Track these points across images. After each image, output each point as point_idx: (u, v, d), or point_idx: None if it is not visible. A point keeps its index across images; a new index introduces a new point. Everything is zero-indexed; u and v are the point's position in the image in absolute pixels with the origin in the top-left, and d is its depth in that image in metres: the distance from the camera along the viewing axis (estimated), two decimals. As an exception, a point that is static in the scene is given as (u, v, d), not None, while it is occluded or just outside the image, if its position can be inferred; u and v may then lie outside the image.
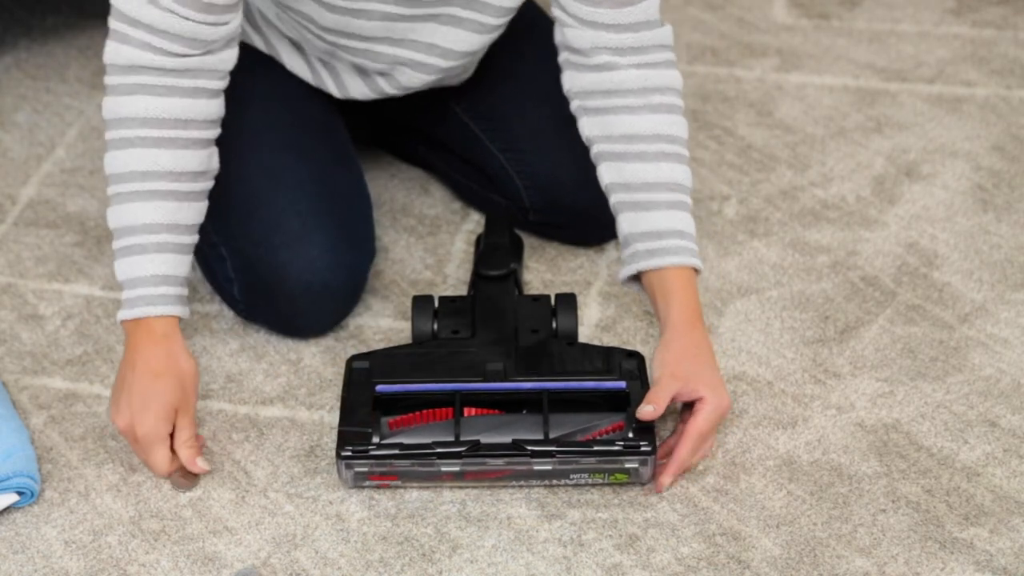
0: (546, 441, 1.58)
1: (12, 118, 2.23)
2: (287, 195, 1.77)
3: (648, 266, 1.67)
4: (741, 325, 1.83)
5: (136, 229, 1.61)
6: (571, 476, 1.59)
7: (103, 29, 1.90)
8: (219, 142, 1.72)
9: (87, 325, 1.85)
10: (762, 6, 2.48)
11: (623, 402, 1.62)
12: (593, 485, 1.61)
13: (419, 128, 2.03)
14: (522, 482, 1.61)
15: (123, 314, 1.62)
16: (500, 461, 1.58)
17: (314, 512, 1.60)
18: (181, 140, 1.62)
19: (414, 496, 1.61)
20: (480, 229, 1.97)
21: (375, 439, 1.60)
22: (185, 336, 1.79)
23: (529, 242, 1.96)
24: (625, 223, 1.70)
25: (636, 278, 1.71)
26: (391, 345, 1.81)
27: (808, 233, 1.98)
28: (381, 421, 1.63)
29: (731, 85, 2.28)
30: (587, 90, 1.72)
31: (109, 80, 1.61)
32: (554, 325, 1.74)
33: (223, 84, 1.65)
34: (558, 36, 1.75)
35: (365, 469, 1.59)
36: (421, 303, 1.75)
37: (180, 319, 1.64)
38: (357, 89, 1.86)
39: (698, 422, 1.59)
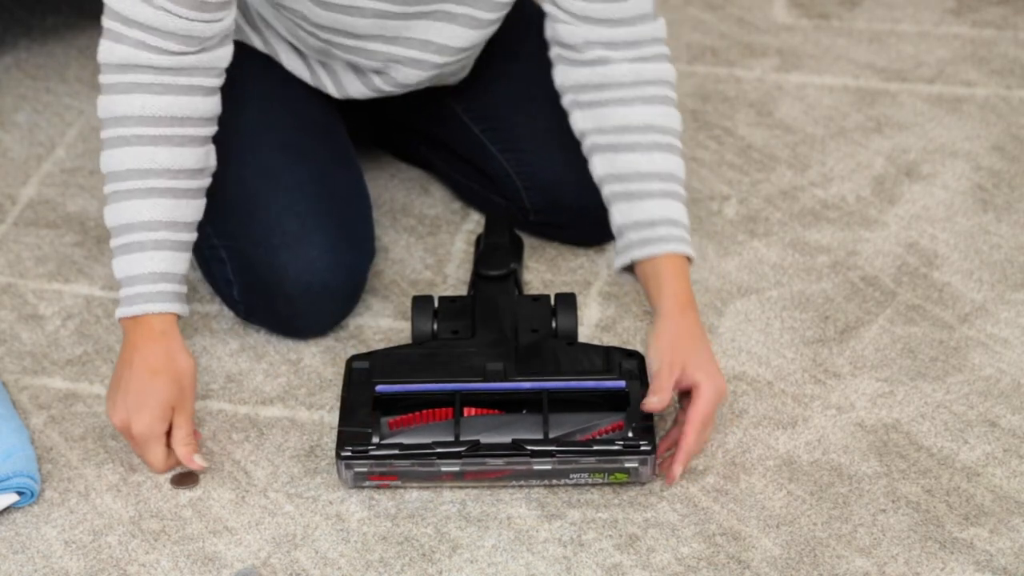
0: (546, 441, 1.58)
1: (12, 118, 2.23)
2: (286, 196, 1.77)
3: (641, 255, 1.68)
4: (741, 325, 1.83)
5: (134, 227, 1.61)
6: (571, 476, 1.59)
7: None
8: (218, 143, 1.72)
9: (87, 325, 1.85)
10: (762, 6, 2.48)
11: (623, 402, 1.62)
12: (593, 485, 1.61)
13: (419, 128, 2.03)
14: (522, 482, 1.61)
15: (121, 312, 1.62)
16: (500, 461, 1.58)
17: (314, 512, 1.60)
18: (177, 137, 1.62)
19: (414, 496, 1.61)
20: (480, 229, 1.97)
21: (375, 439, 1.60)
22: (185, 336, 1.79)
23: (529, 242, 1.96)
24: (618, 214, 1.71)
25: (630, 269, 1.71)
26: (391, 345, 1.81)
27: (808, 233, 1.98)
28: (381, 421, 1.63)
29: (731, 85, 2.28)
30: (579, 84, 1.73)
31: (104, 79, 1.61)
32: (554, 325, 1.74)
33: (219, 81, 1.65)
34: (549, 31, 1.75)
35: (365, 469, 1.59)
36: (421, 303, 1.75)
37: (179, 317, 1.64)
38: (355, 88, 1.86)
39: (699, 409, 1.59)
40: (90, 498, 1.62)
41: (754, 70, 2.31)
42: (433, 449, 1.57)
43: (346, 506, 1.60)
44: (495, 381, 1.65)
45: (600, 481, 1.60)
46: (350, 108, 1.95)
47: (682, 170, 1.71)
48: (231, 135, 1.76)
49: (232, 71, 1.71)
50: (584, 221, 1.90)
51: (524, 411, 1.64)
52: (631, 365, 1.66)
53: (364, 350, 1.79)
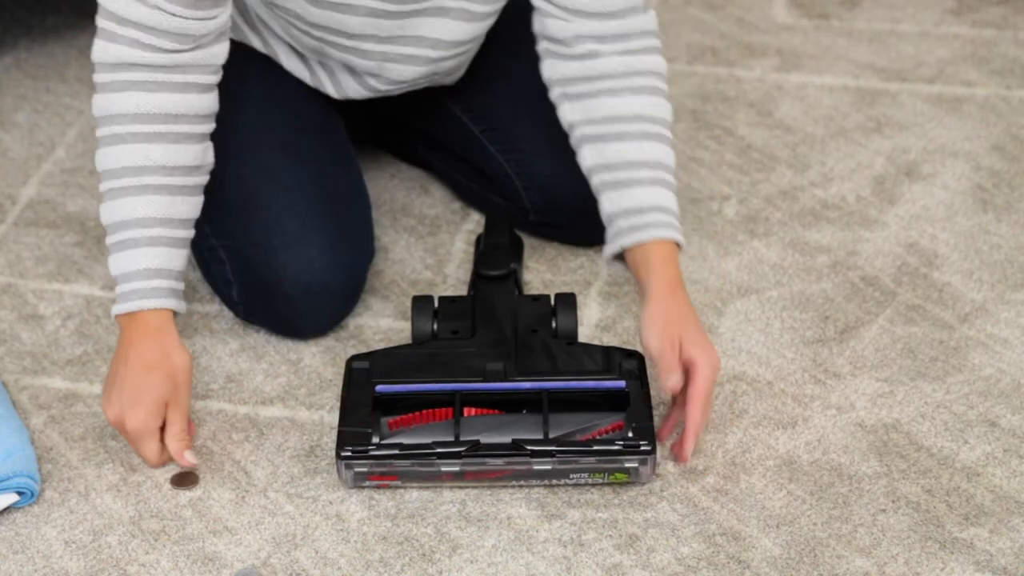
0: (546, 441, 1.58)
1: (12, 118, 2.23)
2: (285, 196, 1.77)
3: (630, 242, 1.69)
4: (741, 325, 1.83)
5: (129, 223, 1.61)
6: (571, 476, 1.59)
7: (103, 29, 1.90)
8: (218, 143, 1.72)
9: (87, 325, 1.85)
10: (762, 6, 2.48)
11: (623, 402, 1.62)
12: (593, 485, 1.61)
13: (418, 128, 2.03)
14: (522, 482, 1.61)
15: (117, 308, 1.62)
16: (500, 461, 1.58)
17: (314, 512, 1.60)
18: (172, 135, 1.62)
19: (414, 496, 1.61)
20: (480, 229, 1.97)
21: (375, 439, 1.60)
22: (185, 336, 1.79)
23: (529, 242, 1.96)
24: (607, 202, 1.72)
25: (621, 258, 1.72)
26: (391, 345, 1.81)
27: (808, 233, 1.98)
28: (381, 421, 1.63)
29: (731, 85, 2.28)
30: (568, 77, 1.73)
31: (98, 78, 1.61)
32: (554, 325, 1.74)
33: (215, 79, 1.65)
34: (537, 26, 1.76)
35: (365, 469, 1.59)
36: (421, 303, 1.75)
37: (175, 313, 1.64)
38: (353, 89, 1.86)
39: (699, 385, 1.59)
40: (90, 498, 1.62)
41: (754, 70, 2.31)
42: (433, 449, 1.57)
43: (346, 506, 1.60)
44: (495, 381, 1.65)
45: (600, 481, 1.60)
46: (349, 108, 1.95)
47: (671, 159, 1.72)
48: (230, 135, 1.76)
49: (232, 71, 1.71)
50: (584, 221, 1.90)
51: (524, 411, 1.64)
52: (631, 365, 1.66)
53: (364, 350, 1.79)
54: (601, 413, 1.63)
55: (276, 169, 1.79)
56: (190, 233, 1.66)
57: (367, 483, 1.61)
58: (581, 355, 1.68)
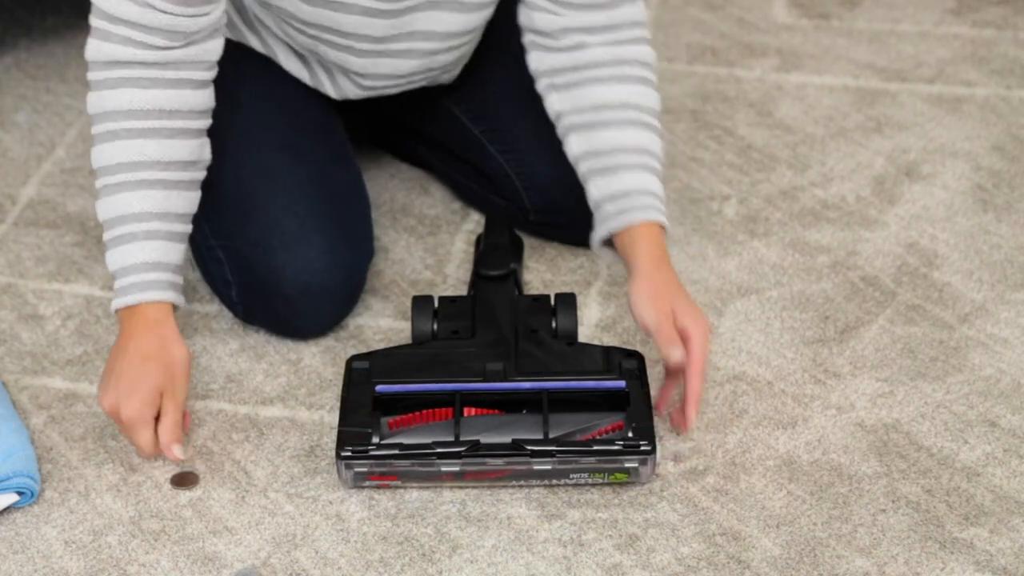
0: (546, 441, 1.58)
1: (12, 118, 2.23)
2: (284, 196, 1.77)
3: (617, 225, 1.70)
4: (741, 325, 1.83)
5: (126, 218, 1.62)
6: (571, 476, 1.59)
7: (103, 29, 1.90)
8: (216, 143, 1.72)
9: (87, 325, 1.85)
10: (762, 6, 2.48)
11: (623, 402, 1.62)
12: (593, 485, 1.61)
13: (418, 128, 2.03)
14: (522, 482, 1.61)
15: (116, 303, 1.62)
16: (500, 461, 1.58)
17: (314, 512, 1.60)
18: (167, 130, 1.62)
19: (414, 496, 1.61)
20: (480, 229, 1.97)
21: (375, 439, 1.60)
22: (185, 336, 1.79)
23: (529, 242, 1.96)
24: (594, 188, 1.73)
25: (611, 245, 1.73)
26: (391, 345, 1.81)
27: (808, 233, 1.98)
28: (381, 421, 1.63)
29: (731, 85, 2.28)
30: (556, 68, 1.74)
31: (92, 76, 1.62)
32: (554, 325, 1.74)
33: (209, 75, 1.66)
34: (523, 19, 1.76)
35: (365, 469, 1.59)
36: (421, 303, 1.75)
37: (175, 308, 1.64)
38: (350, 89, 1.86)
39: (696, 354, 1.61)
40: (90, 498, 1.62)
41: (754, 70, 2.31)
42: (433, 449, 1.57)
43: (346, 506, 1.60)
44: (495, 381, 1.65)
45: (600, 481, 1.60)
46: (349, 108, 1.95)
47: (658, 147, 1.73)
48: (229, 135, 1.76)
49: (231, 72, 1.71)
50: (584, 221, 1.90)
51: (524, 411, 1.64)
52: (631, 365, 1.66)
53: (364, 350, 1.79)
54: (601, 413, 1.63)
55: (275, 169, 1.79)
56: (187, 228, 1.66)
57: (367, 483, 1.61)
58: (581, 355, 1.68)
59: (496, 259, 1.81)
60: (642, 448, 1.57)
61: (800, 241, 1.96)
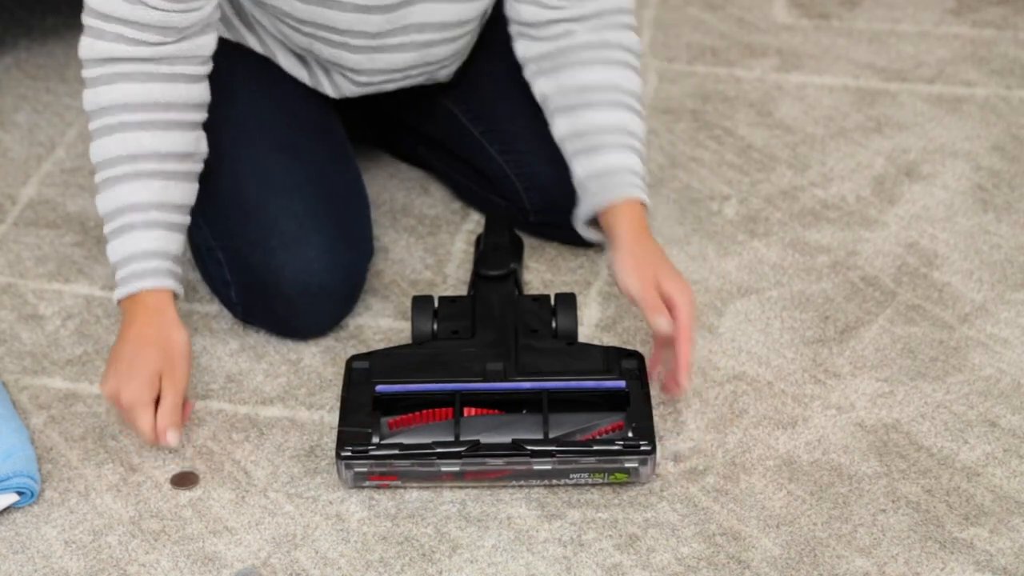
0: (546, 441, 1.58)
1: (12, 118, 2.23)
2: (284, 196, 1.77)
3: (600, 203, 1.72)
4: (741, 325, 1.83)
5: (124, 210, 1.63)
6: (571, 476, 1.59)
7: (103, 29, 1.90)
8: (215, 143, 1.72)
9: (87, 325, 1.85)
10: (762, 6, 2.48)
11: (623, 402, 1.62)
12: (593, 485, 1.61)
13: (418, 128, 2.03)
14: (522, 482, 1.61)
15: (118, 293, 1.64)
16: (500, 461, 1.58)
17: (314, 512, 1.60)
18: (162, 122, 1.63)
19: (414, 496, 1.61)
20: (480, 229, 1.97)
21: (375, 439, 1.60)
22: (185, 336, 1.80)
23: (529, 242, 1.96)
24: (578, 168, 1.76)
25: (596, 224, 1.74)
26: (391, 345, 1.81)
27: (808, 233, 1.98)
28: (381, 421, 1.63)
29: (731, 85, 2.28)
30: (542, 55, 1.77)
31: (87, 73, 1.64)
32: (554, 325, 1.74)
33: (204, 69, 1.67)
34: (509, 11, 1.78)
35: (365, 469, 1.59)
36: (421, 303, 1.75)
37: (176, 297, 1.65)
38: (348, 87, 1.86)
39: (683, 321, 1.63)
40: (90, 498, 1.62)
41: (754, 70, 2.31)
42: (433, 449, 1.57)
43: (346, 506, 1.60)
44: (495, 381, 1.65)
45: (600, 481, 1.60)
46: (348, 108, 1.95)
47: (640, 128, 1.76)
48: (228, 135, 1.76)
49: (229, 72, 1.71)
50: (584, 221, 1.91)
51: (524, 411, 1.64)
52: (631, 365, 1.66)
53: (364, 350, 1.79)
54: (601, 413, 1.63)
55: (274, 169, 1.79)
56: (186, 220, 1.67)
57: (367, 483, 1.61)
58: (581, 355, 1.68)
59: (496, 259, 1.81)
60: (642, 448, 1.57)
61: (800, 241, 1.96)
